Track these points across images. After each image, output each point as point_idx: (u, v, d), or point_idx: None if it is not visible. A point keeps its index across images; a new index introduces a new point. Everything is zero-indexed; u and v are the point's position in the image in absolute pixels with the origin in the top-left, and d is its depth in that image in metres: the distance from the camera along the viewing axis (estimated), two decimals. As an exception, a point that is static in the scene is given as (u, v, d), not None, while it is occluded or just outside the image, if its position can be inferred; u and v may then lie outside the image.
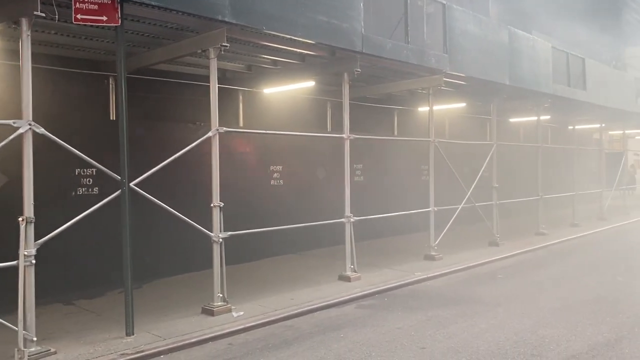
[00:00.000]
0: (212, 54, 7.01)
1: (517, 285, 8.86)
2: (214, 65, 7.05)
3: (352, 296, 8.04)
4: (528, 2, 21.41)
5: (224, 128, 7.10)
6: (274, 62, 9.62)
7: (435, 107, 13.50)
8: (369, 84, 11.98)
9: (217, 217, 7.05)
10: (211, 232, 7.04)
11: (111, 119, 8.93)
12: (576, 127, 18.72)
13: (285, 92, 11.15)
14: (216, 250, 7.07)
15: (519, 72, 12.67)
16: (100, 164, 6.17)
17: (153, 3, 6.00)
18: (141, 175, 6.45)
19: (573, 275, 9.67)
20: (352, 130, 10.38)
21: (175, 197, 8.45)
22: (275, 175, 11.25)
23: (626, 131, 22.86)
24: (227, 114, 10.65)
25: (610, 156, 23.19)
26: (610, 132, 25.38)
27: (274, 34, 7.47)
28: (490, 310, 7.30)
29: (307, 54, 8.80)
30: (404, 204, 11.43)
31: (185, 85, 9.69)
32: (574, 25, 22.79)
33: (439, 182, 12.09)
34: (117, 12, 5.96)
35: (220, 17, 6.63)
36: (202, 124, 9.03)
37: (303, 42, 7.92)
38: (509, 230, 14.27)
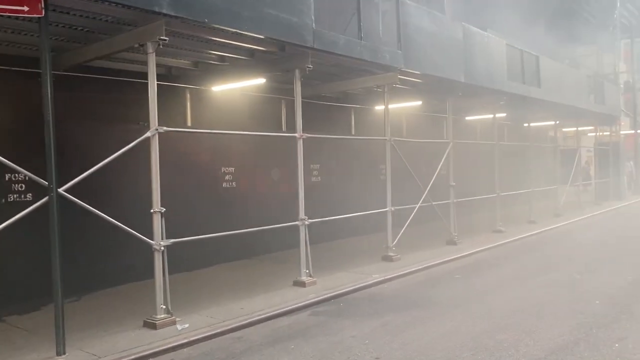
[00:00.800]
0: (150, 48, 6.54)
1: (474, 285, 8.69)
2: (152, 60, 6.59)
3: (306, 303, 7.69)
4: (483, 1, 21.52)
5: (164, 128, 6.63)
6: (222, 58, 9.18)
7: (392, 106, 13.36)
8: (324, 81, 11.67)
9: (157, 223, 6.57)
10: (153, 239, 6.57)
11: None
12: (532, 124, 18.93)
13: (238, 91, 10.71)
14: (158, 259, 6.60)
15: (474, 69, 12.59)
16: (32, 168, 5.65)
17: (79, -9, 5.51)
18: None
19: (530, 273, 9.58)
20: (308, 130, 10.04)
21: (118, 202, 7.97)
22: (227, 177, 10.80)
23: (579, 128, 23.33)
24: (174, 113, 10.16)
25: (564, 153, 23.64)
26: (563, 129, 25.87)
27: (218, 28, 7.05)
28: (447, 313, 7.07)
29: (256, 49, 8.39)
30: (363, 204, 11.15)
31: (129, 83, 9.10)
32: (529, 24, 23.04)
33: (398, 181, 11.90)
34: (40, 2, 5.44)
35: (157, 9, 6.17)
36: (145, 124, 8.48)
37: (250, 37, 7.52)
38: (468, 228, 14.23)
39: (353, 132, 14.39)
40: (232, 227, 8.58)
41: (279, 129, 12.11)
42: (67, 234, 7.91)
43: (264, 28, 7.46)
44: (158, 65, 9.43)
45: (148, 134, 6.54)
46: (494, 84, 13.40)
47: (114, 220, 6.28)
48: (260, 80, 9.50)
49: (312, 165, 12.91)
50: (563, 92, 17.45)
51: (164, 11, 6.23)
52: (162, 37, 6.41)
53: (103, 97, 8.80)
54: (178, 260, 9.23)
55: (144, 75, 8.92)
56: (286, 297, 7.87)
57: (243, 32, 7.27)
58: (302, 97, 12.03)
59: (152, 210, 6.55)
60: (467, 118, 17.97)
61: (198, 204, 10.06)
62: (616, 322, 6.45)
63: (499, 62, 13.72)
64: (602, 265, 10.17)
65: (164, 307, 6.64)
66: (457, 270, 9.95)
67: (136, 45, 6.72)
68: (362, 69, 10.36)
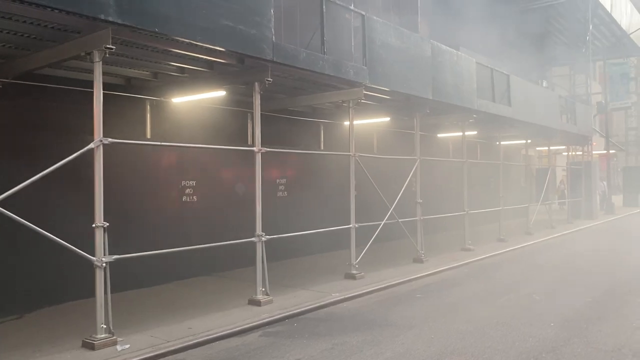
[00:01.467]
0: (97, 57, 6.31)
1: (433, 306, 8.51)
2: (98, 69, 6.35)
3: (258, 322, 7.43)
4: (457, 20, 21.67)
5: (109, 139, 6.38)
6: (181, 70, 8.97)
7: (361, 122, 13.36)
8: (290, 95, 11.52)
9: (100, 238, 6.29)
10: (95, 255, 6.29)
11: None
12: (504, 143, 18.99)
13: (202, 104, 10.50)
14: (99, 276, 6.30)
15: (443, 86, 12.56)
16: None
17: (17, -4, 5.28)
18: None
19: (491, 293, 9.45)
20: (275, 144, 9.85)
21: (67, 215, 7.69)
22: (187, 191, 10.53)
23: (551, 147, 23.55)
24: (134, 125, 9.93)
25: (539, 172, 23.81)
26: (538, 148, 26.09)
27: (170, 38, 6.88)
28: (400, 334, 6.87)
29: (215, 61, 8.22)
30: (331, 220, 10.91)
31: (82, 93, 8.85)
32: (505, 44, 23.27)
33: (366, 197, 11.77)
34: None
35: (103, 17, 5.95)
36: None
37: (206, 48, 7.34)
38: (436, 246, 14.13)
39: (322, 147, 14.24)
40: (192, 242, 8.34)
41: (245, 143, 11.90)
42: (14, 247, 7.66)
43: (219, 39, 7.28)
44: (116, 76, 9.34)
45: (91, 145, 6.29)
46: (462, 102, 13.38)
47: (52, 236, 5.99)
48: (220, 93, 9.31)
49: (278, 180, 12.73)
50: (534, 111, 17.56)
51: (110, 19, 6.02)
52: (108, 46, 6.19)
53: (51, 105, 8.48)
54: (131, 276, 8.98)
55: (88, 84, 8.74)
56: (238, 317, 7.61)
57: (197, 43, 7.09)
58: (269, 111, 12.06)
59: (93, 225, 6.26)
60: (439, 135, 17.95)
61: (155, 218, 9.78)
62: (567, 345, 6.31)
63: (468, 80, 13.73)
64: (564, 285, 10.10)
65: (105, 326, 6.34)
66: (421, 289, 9.78)
67: (82, 54, 6.47)
68: (327, 84, 10.24)
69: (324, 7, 9.26)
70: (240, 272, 10.61)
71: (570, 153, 25.59)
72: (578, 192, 23.77)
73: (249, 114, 11.97)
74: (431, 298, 9.07)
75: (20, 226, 5.82)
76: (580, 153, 25.28)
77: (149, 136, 10.08)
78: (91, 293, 7.44)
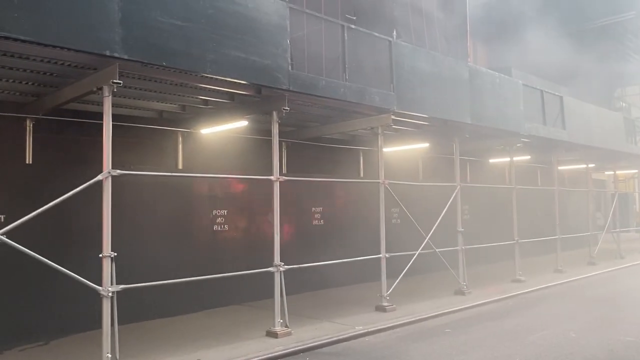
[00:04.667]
0: (106, 91, 6.54)
1: (457, 342, 7.98)
2: (107, 103, 6.56)
3: (269, 355, 7.27)
4: (518, 44, 20.96)
5: (118, 171, 6.54)
6: (205, 102, 9.17)
7: (397, 148, 13.12)
8: (323, 123, 11.48)
9: (107, 268, 6.40)
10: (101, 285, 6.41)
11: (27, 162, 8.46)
12: (563, 167, 17.97)
13: (232, 134, 10.63)
14: (106, 306, 6.39)
15: (484, 110, 12.09)
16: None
17: (22, 37, 5.57)
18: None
19: (526, 329, 8.77)
20: (310, 173, 9.69)
21: (85, 246, 7.92)
22: (219, 219, 10.65)
23: (624, 171, 22.05)
24: (166, 156, 10.21)
25: (621, 197, 22.08)
26: (606, 172, 24.49)
27: (180, 70, 7.04)
28: (412, 373, 6.48)
29: (234, 92, 8.35)
30: (370, 248, 10.59)
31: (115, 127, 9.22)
32: (569, 67, 22.23)
33: (409, 226, 11.28)
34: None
35: (108, 53, 6.19)
36: (131, 166, 8.46)
37: (217, 79, 7.46)
38: (486, 277, 13.49)
39: (362, 175, 14.03)
40: (224, 271, 8.33)
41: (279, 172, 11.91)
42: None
43: (231, 71, 7.37)
44: (148, 109, 9.66)
45: (100, 177, 6.46)
46: (507, 125, 12.80)
47: (57, 265, 6.17)
48: (242, 123, 9.41)
49: (314, 209, 12.63)
50: (593, 133, 16.51)
51: (117, 55, 6.25)
52: (115, 81, 6.40)
53: (81, 139, 8.84)
54: (153, 305, 9.13)
55: (123, 118, 9.10)
56: (252, 349, 7.48)
57: (208, 75, 7.22)
58: (304, 139, 12.09)
59: (100, 255, 6.40)
60: (490, 161, 17.25)
61: (191, 247, 9.96)
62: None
63: (513, 103, 13.14)
64: (608, 321, 9.22)
65: (110, 355, 6.39)
66: (452, 324, 9.26)
67: (94, 89, 6.73)
68: (355, 111, 10.12)
69: (345, 34, 9.22)
70: (267, 303, 10.47)
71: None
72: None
73: (283, 143, 12.05)
74: (460, 334, 8.55)
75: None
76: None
77: (180, 167, 10.32)
78: (123, 321, 7.55)
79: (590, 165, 18.45)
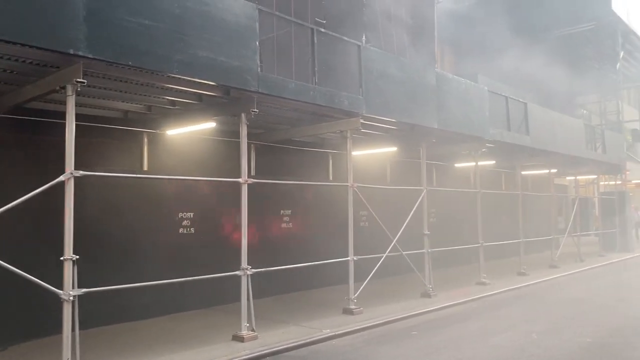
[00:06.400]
0: (70, 90, 6.38)
1: (424, 344, 8.07)
2: (71, 103, 6.39)
3: None
4: (484, 51, 21.35)
5: (80, 172, 6.38)
6: (172, 102, 9.04)
7: (366, 152, 13.19)
8: (293, 126, 11.45)
9: (69, 271, 6.24)
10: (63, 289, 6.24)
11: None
12: (526, 172, 18.38)
13: (199, 135, 10.50)
14: (67, 310, 6.22)
15: (450, 115, 12.27)
16: None
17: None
18: None
19: (489, 331, 8.92)
20: (280, 175, 9.58)
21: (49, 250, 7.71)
22: (184, 222, 10.50)
23: (584, 177, 22.67)
24: (131, 157, 10.03)
25: (581, 202, 22.73)
26: (567, 178, 25.18)
27: (147, 70, 6.92)
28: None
29: (202, 93, 8.25)
30: (340, 251, 10.57)
31: (80, 127, 9.00)
32: (533, 74, 22.78)
33: (376, 229, 11.33)
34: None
35: (72, 51, 6.04)
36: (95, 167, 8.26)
37: (184, 80, 7.36)
38: (453, 280, 13.67)
39: (331, 178, 14.06)
40: (190, 275, 8.18)
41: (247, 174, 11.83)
42: None
43: (198, 71, 7.28)
44: (112, 109, 9.47)
45: (61, 177, 6.29)
46: (472, 131, 13.04)
47: (15, 269, 5.97)
48: (210, 125, 9.31)
49: (282, 211, 12.58)
50: (556, 139, 16.95)
51: (81, 53, 6.11)
52: (79, 80, 6.25)
53: (41, 138, 8.59)
54: (120, 308, 8.94)
55: (87, 118, 8.89)
56: (217, 354, 7.39)
57: (174, 75, 7.12)
58: (274, 142, 12.04)
59: (62, 258, 6.23)
60: (456, 165, 17.52)
61: (151, 250, 9.75)
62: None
63: (479, 109, 13.39)
64: (569, 323, 9.44)
65: (70, 361, 6.24)
66: (419, 326, 9.35)
67: (57, 88, 6.56)
68: (325, 114, 10.12)
69: (315, 37, 9.24)
70: (235, 307, 10.38)
71: (604, 182, 24.68)
72: (612, 222, 22.69)
73: (252, 145, 11.97)
74: (426, 336, 8.64)
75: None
76: (614, 182, 24.26)
77: (146, 168, 10.14)
78: (85, 326, 7.34)
79: (553, 171, 18.94)
